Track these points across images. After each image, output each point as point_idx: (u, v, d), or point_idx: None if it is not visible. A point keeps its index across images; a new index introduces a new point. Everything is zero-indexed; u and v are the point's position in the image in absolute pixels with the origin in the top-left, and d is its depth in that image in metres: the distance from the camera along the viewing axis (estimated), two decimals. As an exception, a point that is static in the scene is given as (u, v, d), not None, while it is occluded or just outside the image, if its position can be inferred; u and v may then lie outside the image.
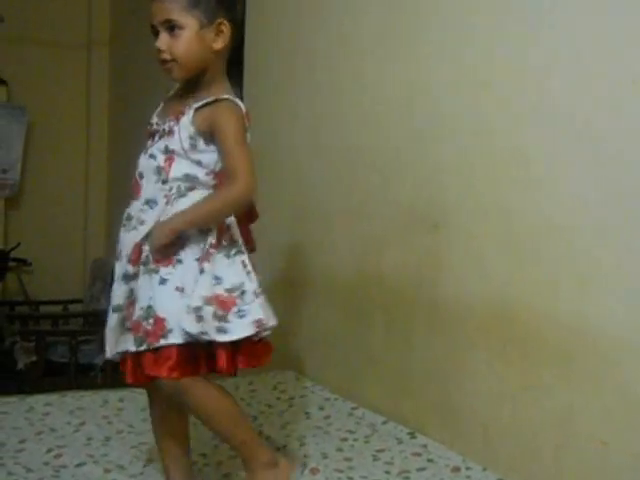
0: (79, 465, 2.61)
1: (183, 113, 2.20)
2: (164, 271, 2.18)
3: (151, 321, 2.16)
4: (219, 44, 2.24)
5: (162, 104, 2.37)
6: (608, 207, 2.17)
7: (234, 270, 2.22)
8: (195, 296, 2.15)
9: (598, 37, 2.20)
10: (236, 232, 2.26)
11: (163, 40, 2.18)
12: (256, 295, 2.22)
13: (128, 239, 2.25)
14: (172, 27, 2.17)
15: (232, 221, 2.25)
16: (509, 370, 2.50)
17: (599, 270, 2.20)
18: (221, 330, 2.15)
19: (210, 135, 2.20)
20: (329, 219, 3.39)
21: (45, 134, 6.86)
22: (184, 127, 2.19)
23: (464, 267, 2.69)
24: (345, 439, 2.81)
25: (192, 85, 2.27)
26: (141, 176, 2.27)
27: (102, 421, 3.06)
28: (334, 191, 3.38)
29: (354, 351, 3.26)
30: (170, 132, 2.21)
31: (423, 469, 2.57)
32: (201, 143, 2.20)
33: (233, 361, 2.21)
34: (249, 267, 2.25)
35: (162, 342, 2.15)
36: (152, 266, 2.18)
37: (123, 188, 7.12)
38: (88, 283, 6.74)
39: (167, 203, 2.21)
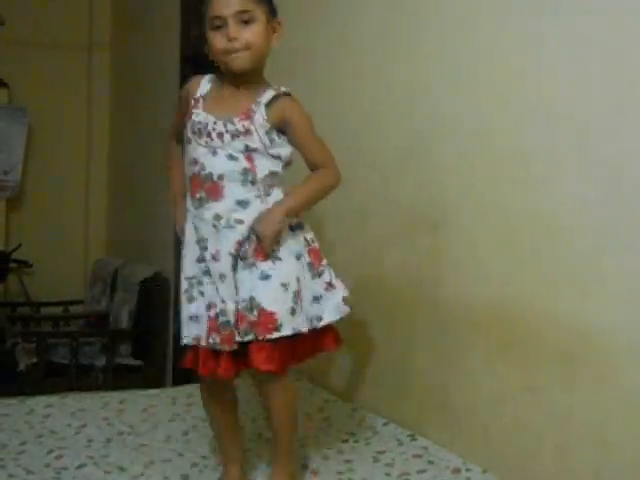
0: (80, 467, 2.62)
1: (253, 111, 2.27)
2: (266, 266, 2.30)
3: (255, 313, 2.27)
4: (274, 42, 2.35)
5: (201, 100, 2.36)
6: (608, 207, 2.16)
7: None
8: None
9: (597, 39, 2.20)
10: None
11: (235, 29, 2.23)
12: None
13: (226, 238, 2.28)
14: (246, 18, 2.23)
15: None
16: (509, 371, 2.50)
17: (599, 271, 2.20)
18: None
19: (281, 128, 2.30)
20: (329, 219, 3.38)
21: (46, 136, 6.87)
22: (260, 125, 2.26)
23: (464, 267, 2.69)
24: (346, 441, 2.81)
25: (239, 80, 2.33)
26: (221, 178, 2.27)
27: (103, 423, 3.08)
28: (334, 191, 3.37)
29: (354, 352, 3.26)
30: (247, 131, 2.26)
31: (423, 471, 2.57)
32: (276, 137, 2.30)
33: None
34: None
35: (275, 334, 2.27)
36: (252, 260, 2.29)
37: (123, 189, 7.15)
38: (89, 284, 6.74)
39: (262, 202, 2.29)
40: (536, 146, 2.41)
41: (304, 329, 2.32)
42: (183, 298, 2.39)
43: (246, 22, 2.23)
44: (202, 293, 2.34)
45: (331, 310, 2.41)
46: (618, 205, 2.14)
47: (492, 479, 2.48)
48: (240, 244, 2.28)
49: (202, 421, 3.10)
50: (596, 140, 2.20)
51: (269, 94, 2.28)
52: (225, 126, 2.26)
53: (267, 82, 2.36)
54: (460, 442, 2.69)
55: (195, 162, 2.31)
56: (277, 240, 2.29)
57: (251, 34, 2.24)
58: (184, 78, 5.51)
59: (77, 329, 6.14)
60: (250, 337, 2.26)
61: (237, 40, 2.23)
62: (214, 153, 2.28)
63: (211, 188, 2.28)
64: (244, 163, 2.26)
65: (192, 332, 2.36)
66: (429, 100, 2.88)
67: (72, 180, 7.04)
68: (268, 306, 2.26)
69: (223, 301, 2.28)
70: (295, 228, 2.37)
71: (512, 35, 2.51)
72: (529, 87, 2.44)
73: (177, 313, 5.31)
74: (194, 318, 2.36)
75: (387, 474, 2.54)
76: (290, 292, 2.29)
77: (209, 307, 2.32)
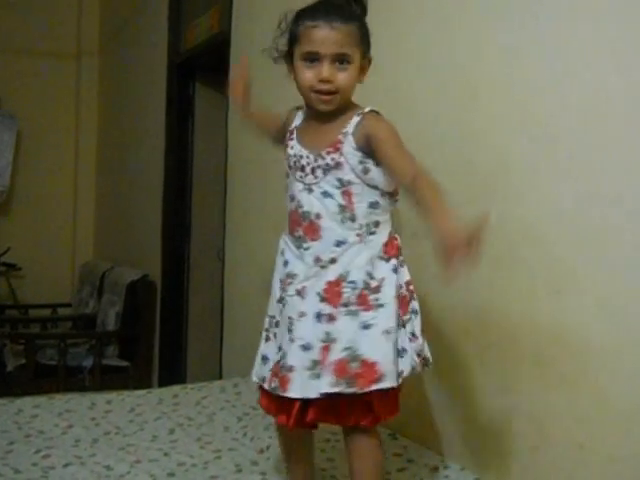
0: (66, 466, 2.64)
1: (341, 142, 2.13)
2: (368, 315, 2.12)
3: (357, 364, 2.08)
4: (362, 78, 2.19)
5: (295, 132, 2.27)
6: (583, 217, 2.21)
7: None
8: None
9: (574, 54, 2.25)
10: None
11: (330, 71, 2.08)
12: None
13: (316, 277, 2.15)
14: (342, 60, 2.09)
15: None
16: (487, 373, 2.55)
17: (574, 278, 2.24)
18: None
19: (367, 148, 2.13)
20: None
21: (35, 142, 6.92)
22: (351, 155, 2.12)
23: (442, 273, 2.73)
24: (328, 440, 2.83)
25: (324, 112, 2.18)
26: (318, 217, 2.15)
27: (90, 423, 3.10)
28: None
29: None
30: (337, 164, 2.12)
31: (403, 469, 2.61)
32: (371, 164, 2.13)
33: None
34: None
35: (375, 386, 2.08)
36: (354, 308, 2.11)
37: (111, 194, 7.14)
38: (77, 287, 6.78)
39: (360, 241, 2.14)
40: (513, 156, 2.45)
41: (404, 376, 2.16)
42: (262, 335, 2.29)
43: (341, 62, 2.09)
44: (275, 335, 2.24)
45: (408, 362, 2.19)
46: (592, 215, 2.18)
47: (470, 476, 2.53)
48: (334, 286, 2.12)
49: (188, 420, 3.14)
50: (571, 151, 2.24)
51: (354, 121, 2.14)
52: (316, 160, 2.15)
53: (354, 107, 2.20)
54: (439, 441, 2.75)
55: (292, 198, 2.22)
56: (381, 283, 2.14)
57: (345, 78, 2.10)
58: (172, 85, 5.56)
59: (65, 331, 6.18)
60: (353, 389, 2.05)
61: (329, 83, 2.09)
62: (309, 190, 2.16)
63: (309, 227, 2.17)
64: (340, 199, 2.13)
65: (260, 372, 2.25)
66: (412, 109, 2.91)
67: (60, 185, 7.09)
68: (370, 356, 2.07)
69: (292, 340, 2.14)
70: (397, 269, 2.19)
71: (496, 48, 2.54)
72: (511, 100, 2.47)
73: (162, 317, 5.25)
74: (265, 359, 2.25)
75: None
76: (391, 340, 2.11)
77: (279, 350, 2.19)
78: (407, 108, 2.92)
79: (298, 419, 2.17)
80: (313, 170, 2.16)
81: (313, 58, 2.10)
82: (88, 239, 7.20)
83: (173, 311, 5.68)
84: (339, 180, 2.13)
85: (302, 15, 2.14)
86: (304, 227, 2.18)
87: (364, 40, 2.15)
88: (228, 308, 4.59)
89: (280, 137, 2.37)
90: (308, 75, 2.11)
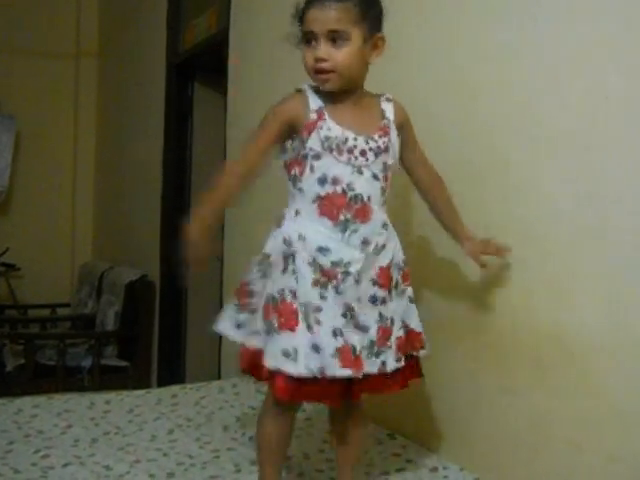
0: (66, 466, 2.64)
1: (388, 127, 2.21)
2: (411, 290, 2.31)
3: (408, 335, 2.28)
4: (373, 58, 2.18)
5: (325, 113, 2.14)
6: (583, 217, 2.21)
7: None
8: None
9: (573, 54, 2.25)
10: None
11: (325, 49, 2.07)
12: None
13: (371, 264, 2.15)
14: (336, 38, 2.07)
15: None
16: (486, 374, 2.55)
17: (574, 279, 2.24)
18: None
19: (400, 136, 2.27)
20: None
21: (34, 142, 6.92)
22: (394, 140, 2.22)
23: (441, 272, 2.73)
24: (326, 440, 2.83)
25: (346, 94, 2.17)
26: (369, 199, 2.14)
27: (89, 423, 3.10)
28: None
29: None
30: (386, 149, 2.18)
31: (402, 469, 2.61)
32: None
33: None
34: None
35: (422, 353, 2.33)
36: (402, 287, 2.27)
37: (110, 194, 7.14)
38: (76, 287, 6.78)
39: (388, 223, 2.23)
40: (514, 155, 2.45)
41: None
42: (301, 326, 2.09)
43: (336, 40, 2.07)
44: (319, 321, 2.09)
45: None
46: (592, 215, 2.18)
47: (469, 477, 2.53)
48: (386, 271, 2.18)
49: (187, 420, 3.14)
50: (572, 150, 2.25)
51: (390, 107, 2.24)
52: (367, 143, 2.15)
53: (368, 91, 2.25)
54: (438, 442, 2.74)
55: (336, 181, 2.12)
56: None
57: (341, 56, 2.08)
58: (170, 85, 5.56)
59: (64, 331, 6.18)
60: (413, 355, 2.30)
61: (325, 61, 2.08)
62: (360, 172, 2.13)
63: (360, 210, 2.13)
64: (383, 183, 2.18)
65: (314, 363, 2.07)
66: (411, 106, 2.91)
67: (59, 185, 7.09)
68: (417, 327, 2.29)
69: (356, 325, 2.14)
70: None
71: (491, 48, 2.55)
72: (512, 101, 2.47)
73: (161, 317, 5.25)
74: (315, 347, 2.08)
75: (366, 473, 2.57)
76: None
77: (335, 334, 2.09)
78: (407, 108, 2.92)
79: (343, 395, 2.19)
80: (363, 152, 2.15)
81: (310, 38, 2.10)
82: (87, 239, 7.20)
83: (172, 311, 5.68)
84: (384, 164, 2.19)
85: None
86: (355, 210, 2.13)
87: (367, 17, 2.11)
88: (227, 308, 4.58)
89: (282, 136, 2.19)
90: (307, 56, 2.12)
